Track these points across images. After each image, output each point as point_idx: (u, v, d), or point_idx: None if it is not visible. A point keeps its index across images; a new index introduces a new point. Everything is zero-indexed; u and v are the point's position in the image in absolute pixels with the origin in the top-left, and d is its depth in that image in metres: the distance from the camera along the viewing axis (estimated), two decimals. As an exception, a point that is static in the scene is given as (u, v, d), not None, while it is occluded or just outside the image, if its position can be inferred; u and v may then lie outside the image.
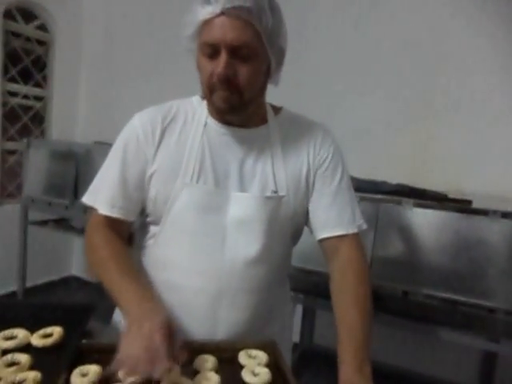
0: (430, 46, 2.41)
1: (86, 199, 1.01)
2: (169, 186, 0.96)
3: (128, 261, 0.96)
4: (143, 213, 1.03)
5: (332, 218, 1.01)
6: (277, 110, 1.08)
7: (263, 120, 1.03)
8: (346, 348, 0.90)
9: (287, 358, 1.12)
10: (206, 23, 0.86)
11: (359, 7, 2.61)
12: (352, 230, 1.00)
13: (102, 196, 0.99)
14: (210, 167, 0.97)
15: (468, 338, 1.74)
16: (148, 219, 1.03)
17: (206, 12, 0.85)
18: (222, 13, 0.83)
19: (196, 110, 1.02)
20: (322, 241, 1.02)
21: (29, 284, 3.23)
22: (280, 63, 0.97)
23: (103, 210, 0.98)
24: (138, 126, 0.99)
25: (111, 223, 0.98)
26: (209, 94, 0.93)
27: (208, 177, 0.96)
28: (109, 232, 0.98)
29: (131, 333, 0.77)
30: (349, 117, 2.63)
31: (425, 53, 2.43)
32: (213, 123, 1.00)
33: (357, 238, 1.01)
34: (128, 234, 1.04)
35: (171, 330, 0.77)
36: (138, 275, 0.94)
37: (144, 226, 1.05)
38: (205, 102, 1.01)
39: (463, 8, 2.31)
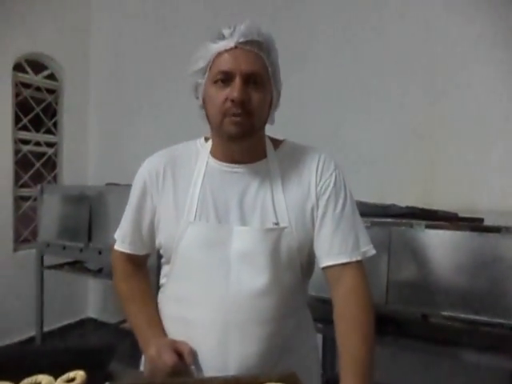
0: (433, 65, 2.43)
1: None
2: (175, 226, 1.01)
3: (142, 297, 1.12)
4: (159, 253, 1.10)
5: (335, 245, 0.99)
6: (277, 143, 1.09)
7: (263, 154, 1.05)
8: (348, 375, 0.92)
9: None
10: (218, 55, 0.93)
11: (359, 30, 2.66)
12: (355, 258, 0.99)
13: (118, 232, 1.14)
14: (211, 204, 1.00)
15: (492, 359, 1.69)
16: (162, 260, 1.10)
17: (219, 46, 0.93)
18: (236, 46, 0.92)
19: (199, 151, 1.07)
20: (325, 268, 1.01)
21: (46, 328, 3.23)
22: (278, 99, 1.03)
23: (116, 245, 1.14)
24: (145, 171, 1.09)
25: (127, 255, 1.13)
26: (221, 119, 0.95)
27: (210, 213, 1.00)
28: (126, 265, 1.14)
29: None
30: (353, 141, 2.65)
31: (427, 71, 2.45)
32: (213, 162, 1.04)
33: (360, 265, 1.00)
34: (146, 262, 1.18)
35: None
36: (152, 313, 1.08)
37: (160, 266, 1.12)
38: (208, 143, 1.07)
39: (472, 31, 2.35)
